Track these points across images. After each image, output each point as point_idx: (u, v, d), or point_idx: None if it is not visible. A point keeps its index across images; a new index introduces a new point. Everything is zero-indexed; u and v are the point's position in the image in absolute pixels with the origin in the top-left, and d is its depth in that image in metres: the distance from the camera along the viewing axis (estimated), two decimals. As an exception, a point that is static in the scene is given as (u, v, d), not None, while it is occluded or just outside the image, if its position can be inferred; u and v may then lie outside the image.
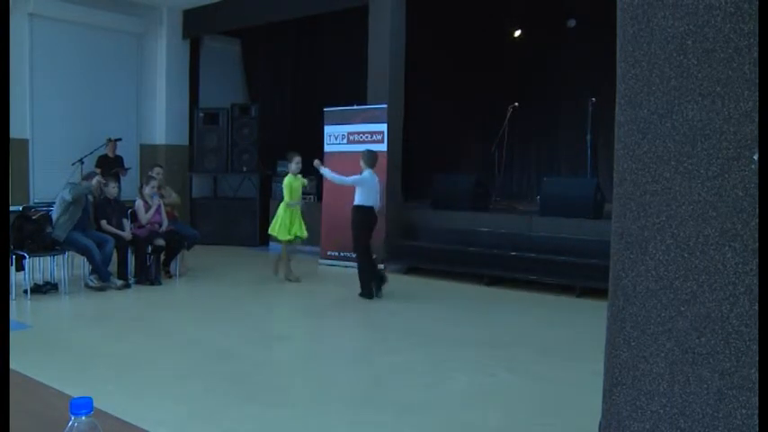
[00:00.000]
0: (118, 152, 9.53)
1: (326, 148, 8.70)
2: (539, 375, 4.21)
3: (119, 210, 7.02)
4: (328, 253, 8.61)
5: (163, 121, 10.83)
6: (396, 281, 7.69)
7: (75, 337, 5.08)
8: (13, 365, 1.52)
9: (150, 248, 7.00)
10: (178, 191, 8.67)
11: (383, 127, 8.22)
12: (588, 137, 8.54)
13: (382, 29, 8.43)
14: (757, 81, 1.67)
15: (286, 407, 3.61)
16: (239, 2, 10.09)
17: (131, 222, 7.11)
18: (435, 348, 4.80)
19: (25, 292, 6.24)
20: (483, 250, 7.50)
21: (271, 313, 6.55)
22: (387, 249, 8.17)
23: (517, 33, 10.70)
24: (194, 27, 10.91)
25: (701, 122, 1.77)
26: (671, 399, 1.83)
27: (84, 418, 1.01)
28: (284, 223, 7.25)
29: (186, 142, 11.06)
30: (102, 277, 6.59)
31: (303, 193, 7.85)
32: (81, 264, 6.87)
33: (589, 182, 7.82)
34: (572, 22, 9.97)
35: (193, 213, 10.43)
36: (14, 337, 4.39)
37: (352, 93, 9.41)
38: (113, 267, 6.75)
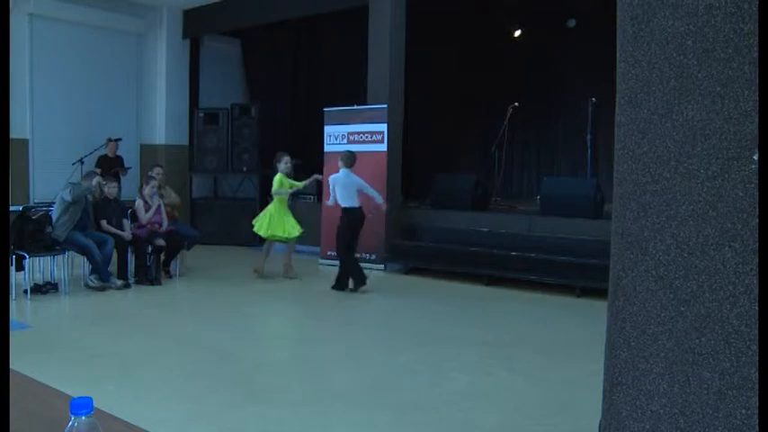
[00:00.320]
0: (118, 152, 9.53)
1: (326, 148, 8.70)
2: (539, 375, 4.21)
3: (119, 210, 7.02)
4: (328, 253, 8.60)
5: (163, 121, 10.83)
6: (396, 281, 7.70)
7: (75, 337, 5.08)
8: (13, 365, 1.52)
9: (150, 248, 7.00)
10: (178, 191, 8.67)
11: (383, 127, 8.22)
12: (588, 137, 8.54)
13: (382, 29, 8.43)
14: (757, 81, 1.67)
15: (286, 407, 3.61)
16: (239, 2, 10.09)
17: (131, 222, 7.11)
18: (435, 348, 4.80)
19: (25, 292, 6.24)
20: (483, 250, 7.49)
21: (271, 313, 6.56)
22: (387, 249, 8.17)
23: (517, 33, 10.71)
24: (194, 27, 10.90)
25: (701, 122, 1.77)
26: (671, 398, 1.83)
27: (84, 418, 1.00)
28: (271, 221, 7.32)
29: (186, 142, 11.06)
30: (102, 277, 6.59)
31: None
32: (81, 264, 6.87)
33: (589, 182, 7.82)
34: (572, 22, 9.97)
35: (193, 213, 10.42)
36: (14, 337, 4.40)
37: (352, 93, 9.41)
38: (113, 267, 6.75)
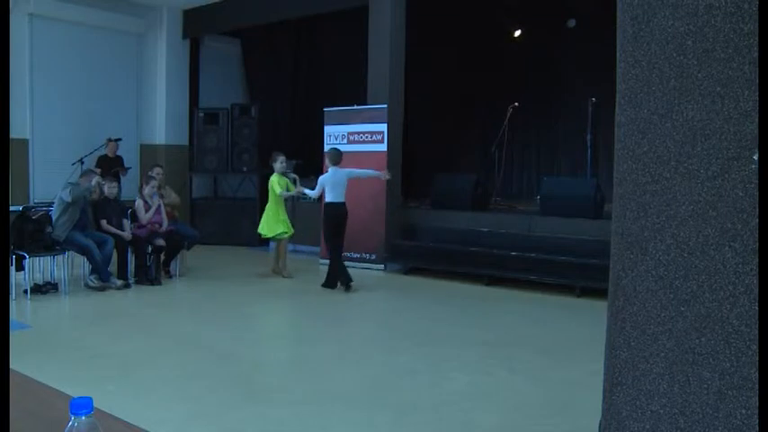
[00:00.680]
0: (118, 152, 9.52)
1: (326, 149, 8.69)
2: (539, 375, 4.21)
3: (119, 210, 7.02)
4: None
5: (163, 121, 10.83)
6: (396, 281, 7.70)
7: (75, 337, 5.08)
8: (13, 365, 1.52)
9: (150, 248, 7.00)
10: (178, 191, 8.66)
11: (383, 127, 8.22)
12: (588, 137, 8.54)
13: (382, 29, 8.43)
14: (757, 81, 1.67)
15: (286, 407, 3.61)
16: (239, 2, 10.09)
17: (131, 222, 7.11)
18: (435, 348, 4.80)
19: (25, 292, 6.24)
20: (483, 250, 7.49)
21: (271, 313, 6.56)
22: (387, 249, 8.17)
23: (517, 33, 10.70)
24: (194, 27, 10.90)
25: (701, 122, 1.77)
26: (671, 399, 1.83)
27: (84, 418, 1.01)
28: (271, 221, 7.43)
29: (186, 142, 11.06)
30: (102, 277, 6.59)
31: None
32: (81, 264, 6.87)
33: (589, 182, 7.81)
34: (572, 22, 9.97)
35: (193, 213, 10.43)
36: (14, 337, 4.40)
37: (352, 93, 9.41)
38: (113, 267, 6.75)
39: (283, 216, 7.55)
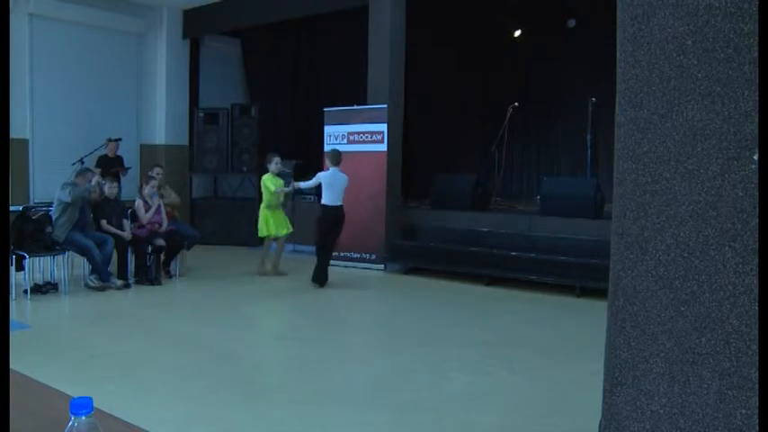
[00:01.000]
0: (118, 152, 9.52)
1: (326, 149, 8.69)
2: (539, 375, 4.21)
3: (119, 210, 7.02)
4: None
5: (163, 121, 10.83)
6: (396, 281, 7.70)
7: (75, 337, 5.08)
8: (13, 365, 1.52)
9: (150, 248, 7.00)
10: (178, 191, 8.66)
11: (383, 127, 8.22)
12: (588, 137, 8.54)
13: (382, 29, 8.43)
14: (757, 81, 1.67)
15: (286, 407, 3.61)
16: (239, 2, 10.08)
17: (131, 222, 7.11)
18: (435, 348, 4.80)
19: (25, 292, 6.24)
20: (483, 250, 7.50)
21: (271, 313, 6.56)
22: (387, 249, 8.17)
23: (517, 33, 10.70)
24: (194, 27, 10.90)
25: (701, 122, 1.77)
26: (671, 399, 1.83)
27: (84, 418, 1.00)
28: (270, 221, 7.48)
29: (186, 142, 11.05)
30: (102, 277, 6.59)
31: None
32: (81, 264, 6.87)
33: (589, 182, 7.82)
34: (572, 22, 9.97)
35: (193, 213, 10.43)
36: (14, 337, 4.40)
37: (352, 93, 9.41)
38: (113, 267, 6.75)
39: (281, 214, 7.60)
